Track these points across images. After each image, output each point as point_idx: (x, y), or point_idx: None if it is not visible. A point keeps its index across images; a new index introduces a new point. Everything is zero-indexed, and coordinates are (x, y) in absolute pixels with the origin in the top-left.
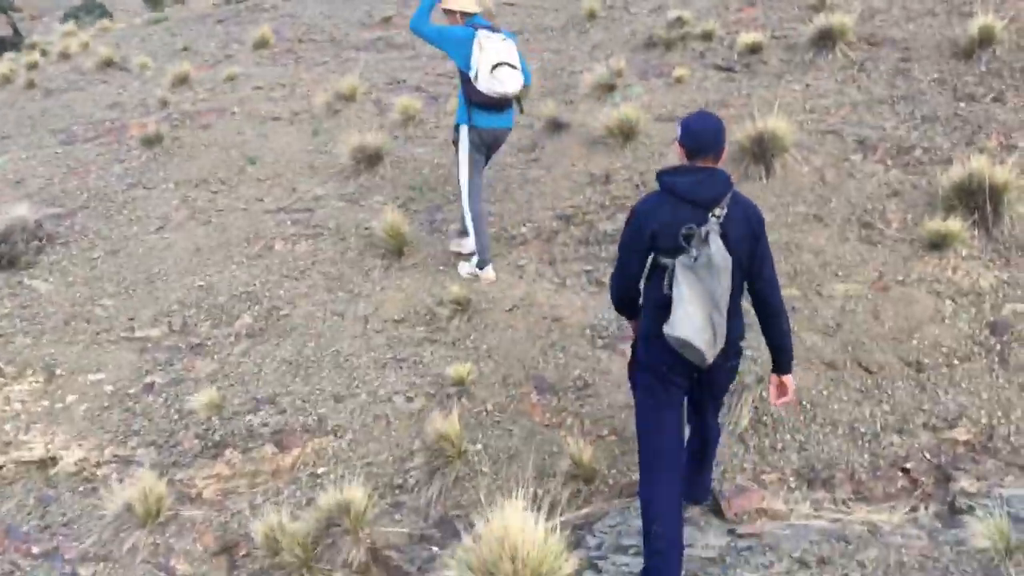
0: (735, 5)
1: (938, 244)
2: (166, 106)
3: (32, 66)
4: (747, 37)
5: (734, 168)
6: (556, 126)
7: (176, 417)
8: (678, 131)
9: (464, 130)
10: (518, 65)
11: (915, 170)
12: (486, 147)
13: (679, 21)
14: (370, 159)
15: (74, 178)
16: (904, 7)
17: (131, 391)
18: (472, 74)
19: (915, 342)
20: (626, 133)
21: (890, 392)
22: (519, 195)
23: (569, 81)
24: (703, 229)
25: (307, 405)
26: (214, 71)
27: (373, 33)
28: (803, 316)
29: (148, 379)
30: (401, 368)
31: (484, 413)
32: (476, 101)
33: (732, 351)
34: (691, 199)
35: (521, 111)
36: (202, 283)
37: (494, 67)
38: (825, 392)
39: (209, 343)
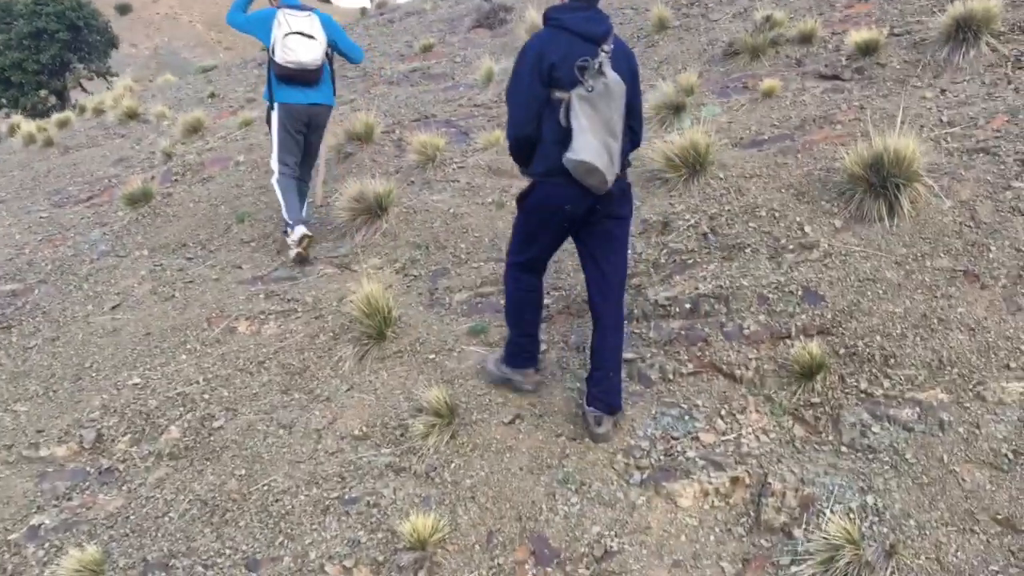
0: (842, 1)
1: None
2: (170, 159)
3: (63, 124)
4: (858, 36)
5: (842, 204)
6: None
7: None
8: None
9: (274, 107)
10: (317, 36)
11: None
12: (300, 124)
13: (768, 22)
14: (369, 211)
15: (48, 247)
16: None
17: (12, 536)
18: (271, 48)
19: None
20: (692, 165)
21: None
22: None
23: None
24: (596, 61)
25: (208, 574)
26: (235, 117)
27: (410, 64)
28: (956, 436)
29: (36, 519)
30: (348, 515)
31: None
32: (278, 75)
33: (622, 177)
34: (584, 34)
35: (334, 91)
36: (138, 380)
37: (286, 35)
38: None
39: (122, 467)
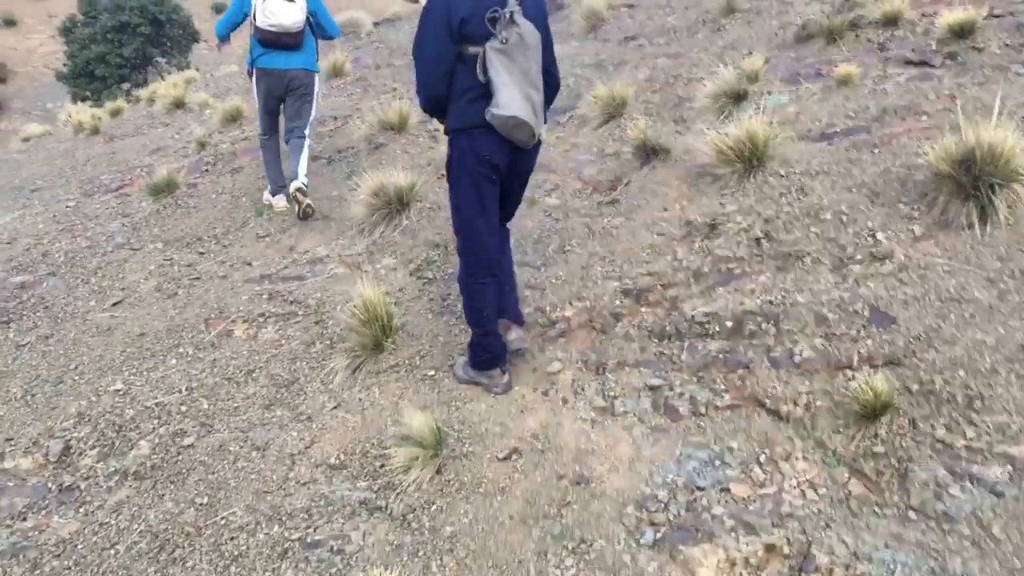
0: None
1: None
2: (203, 148)
3: (115, 113)
4: (952, 17)
5: (924, 208)
6: (649, 153)
7: None
8: None
9: (253, 72)
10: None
11: None
12: (278, 89)
13: (849, 2)
14: (389, 206)
15: (66, 237)
16: None
17: None
18: (252, 12)
19: None
20: (748, 160)
21: None
22: (576, 256)
23: (684, 92)
24: (506, 11)
25: None
26: None
27: None
28: None
29: None
30: (307, 563)
31: None
32: (259, 39)
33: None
34: None
35: (316, 58)
36: (120, 386)
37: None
38: None
39: (83, 485)
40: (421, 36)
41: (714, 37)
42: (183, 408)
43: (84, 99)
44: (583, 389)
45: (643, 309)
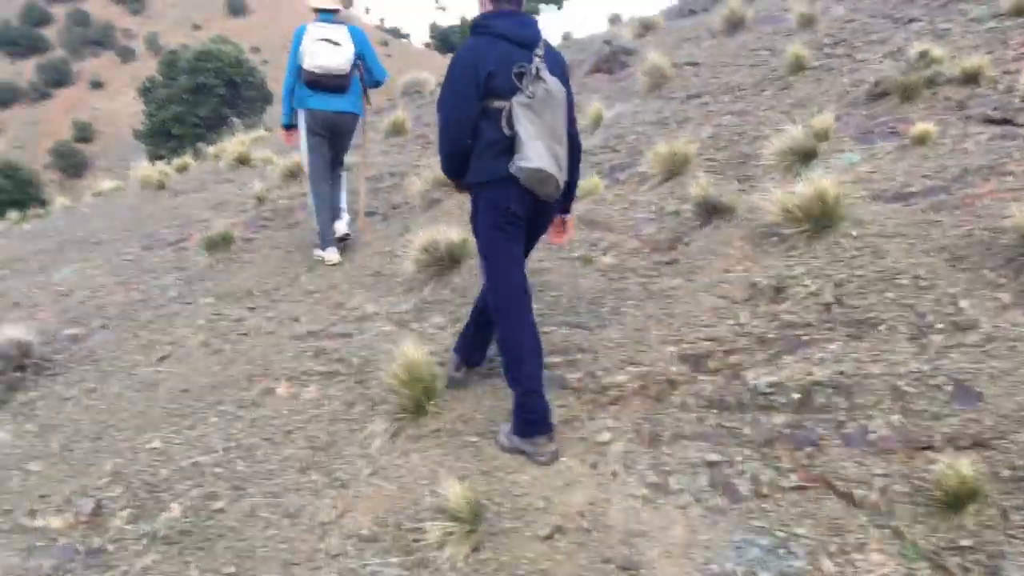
0: (1017, 37)
1: None
2: (261, 203)
3: (182, 169)
4: None
5: (1012, 274)
6: (712, 211)
7: None
8: None
9: (300, 114)
10: (343, 43)
11: None
12: (325, 131)
13: (925, 59)
14: (440, 263)
15: (121, 290)
16: None
17: None
18: (300, 56)
19: None
20: (818, 220)
21: None
22: (632, 318)
23: (749, 150)
24: (533, 67)
25: None
26: None
27: None
28: None
29: None
30: None
31: None
32: (305, 81)
33: (566, 185)
34: (518, 40)
35: (368, 102)
36: (158, 444)
37: (313, 42)
38: None
39: (111, 548)
40: (448, 90)
41: (782, 95)
42: (217, 470)
43: (160, 157)
44: (635, 462)
45: (702, 377)
